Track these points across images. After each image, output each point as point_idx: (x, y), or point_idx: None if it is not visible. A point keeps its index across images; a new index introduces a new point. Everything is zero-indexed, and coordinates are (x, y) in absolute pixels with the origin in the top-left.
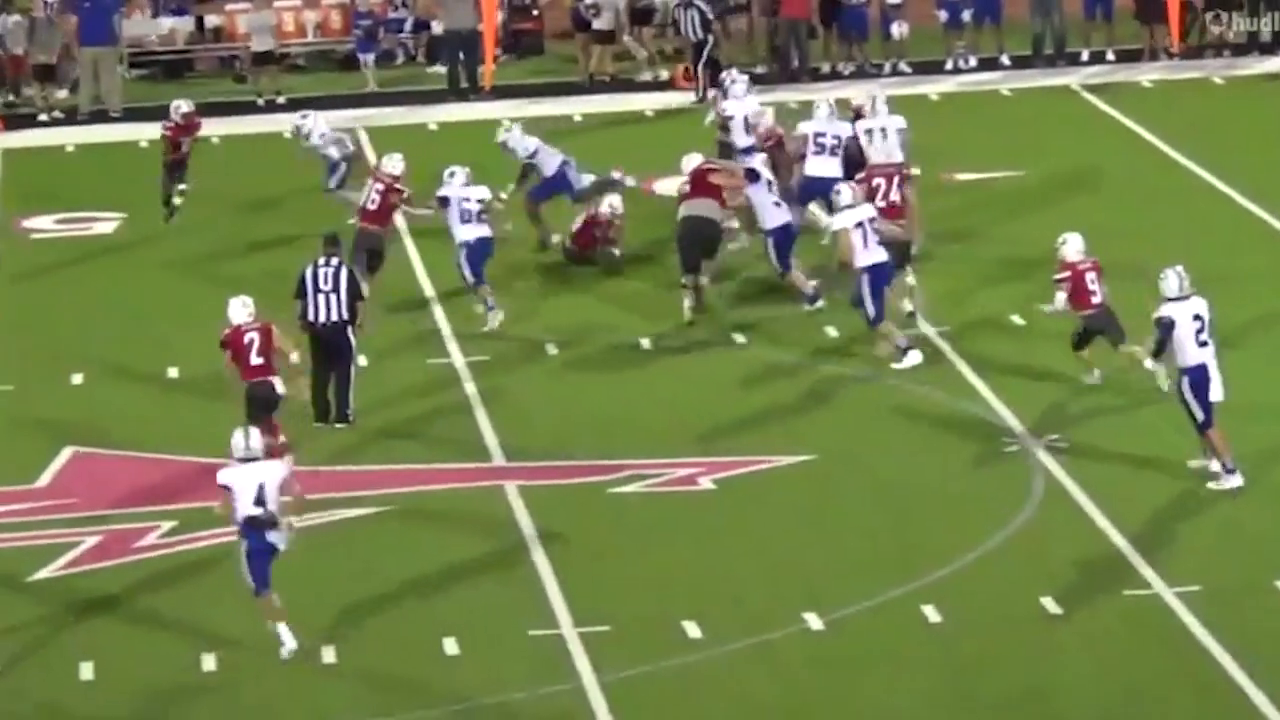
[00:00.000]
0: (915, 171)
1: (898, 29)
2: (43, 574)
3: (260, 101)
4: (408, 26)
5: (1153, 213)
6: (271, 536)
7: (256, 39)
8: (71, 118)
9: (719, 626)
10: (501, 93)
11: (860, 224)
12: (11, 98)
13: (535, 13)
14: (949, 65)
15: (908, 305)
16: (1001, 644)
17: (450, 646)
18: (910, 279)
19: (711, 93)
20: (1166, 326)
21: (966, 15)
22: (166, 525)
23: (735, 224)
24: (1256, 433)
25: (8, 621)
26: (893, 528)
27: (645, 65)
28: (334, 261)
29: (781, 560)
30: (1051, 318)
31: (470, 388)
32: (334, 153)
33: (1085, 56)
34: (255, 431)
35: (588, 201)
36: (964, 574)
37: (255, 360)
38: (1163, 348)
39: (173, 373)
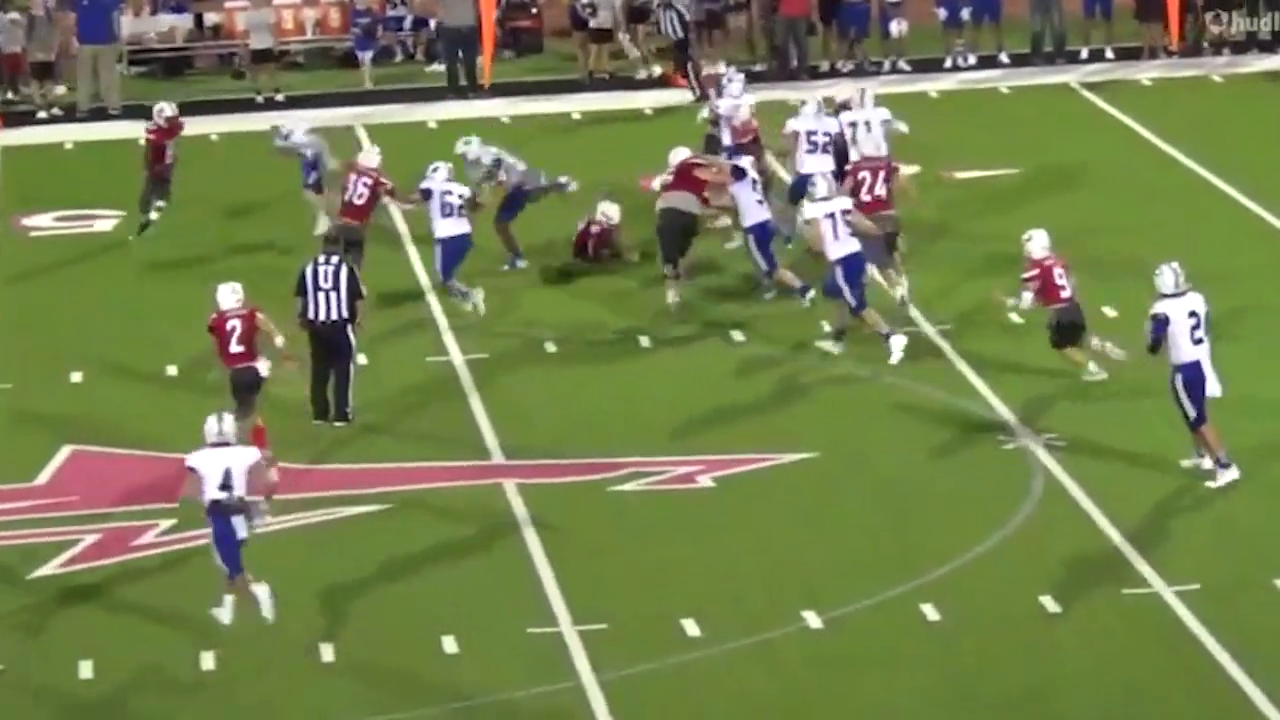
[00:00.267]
0: (915, 169)
1: (897, 27)
2: (42, 572)
3: (259, 99)
4: (407, 24)
5: (1151, 210)
6: (236, 522)
7: (255, 36)
8: (71, 115)
9: (718, 625)
10: (500, 90)
11: (831, 215)
12: (10, 95)
13: (534, 10)
14: (948, 63)
15: (902, 292)
16: (1001, 642)
17: (449, 644)
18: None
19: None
20: (1161, 323)
21: (966, 13)
22: (165, 523)
23: (728, 221)
24: (1253, 428)
25: (7, 619)
26: (892, 526)
27: (640, 64)
28: (334, 259)
29: (781, 559)
30: (1024, 314)
31: (469, 386)
32: (309, 153)
33: (1084, 54)
34: (229, 417)
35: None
36: (963, 572)
37: (235, 348)
38: (1157, 344)
39: (172, 371)
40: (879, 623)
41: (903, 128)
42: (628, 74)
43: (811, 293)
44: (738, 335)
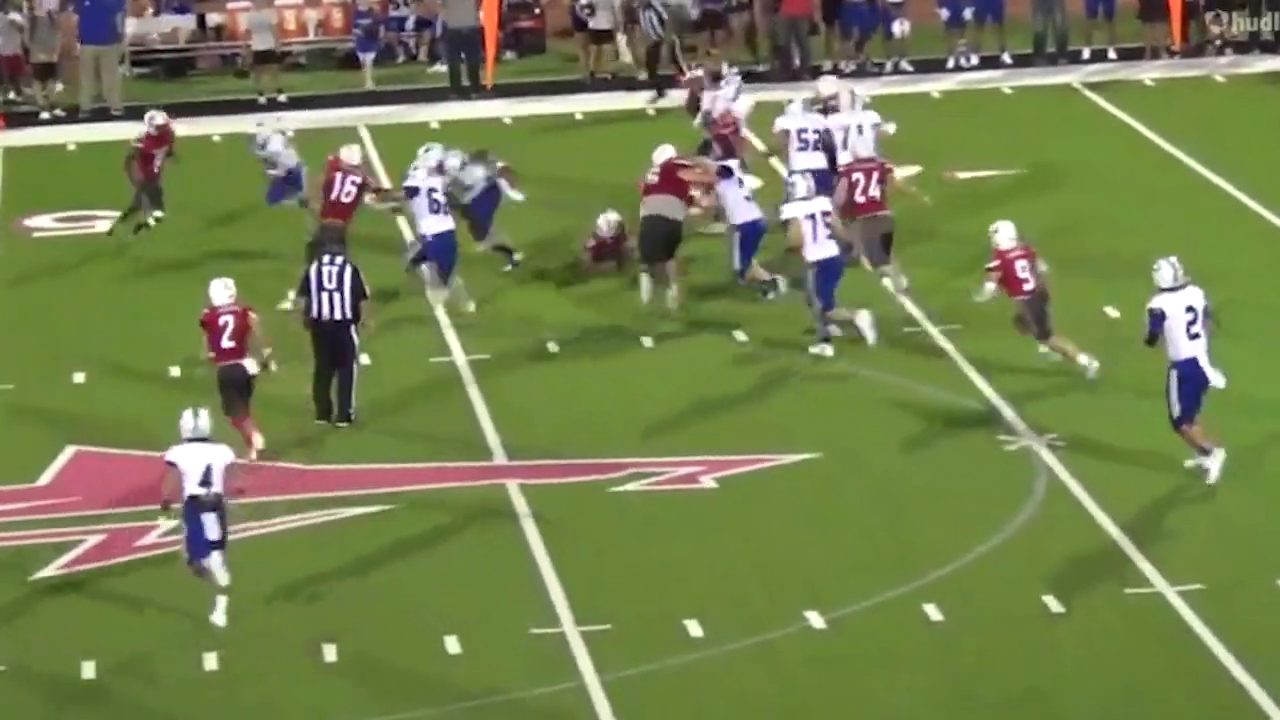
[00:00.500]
0: (916, 169)
1: (899, 27)
2: (44, 573)
3: (262, 100)
4: (409, 25)
5: (1153, 211)
6: (207, 520)
7: (257, 37)
8: (73, 116)
9: (720, 625)
10: (502, 91)
11: (811, 216)
12: (11, 96)
13: (537, 11)
14: (950, 63)
15: (904, 282)
16: (1002, 643)
17: (451, 645)
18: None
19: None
20: (1157, 318)
21: (968, 13)
22: (167, 524)
23: (722, 228)
24: (1253, 428)
25: (9, 620)
26: (894, 526)
27: (637, 66)
28: (339, 260)
29: (782, 559)
30: (983, 304)
31: (472, 386)
32: (283, 167)
33: (1086, 55)
34: (204, 412)
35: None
36: (965, 572)
37: (227, 343)
38: (1154, 337)
39: (174, 371)
40: (881, 623)
41: (890, 129)
42: (629, 75)
43: (782, 287)
44: (739, 335)
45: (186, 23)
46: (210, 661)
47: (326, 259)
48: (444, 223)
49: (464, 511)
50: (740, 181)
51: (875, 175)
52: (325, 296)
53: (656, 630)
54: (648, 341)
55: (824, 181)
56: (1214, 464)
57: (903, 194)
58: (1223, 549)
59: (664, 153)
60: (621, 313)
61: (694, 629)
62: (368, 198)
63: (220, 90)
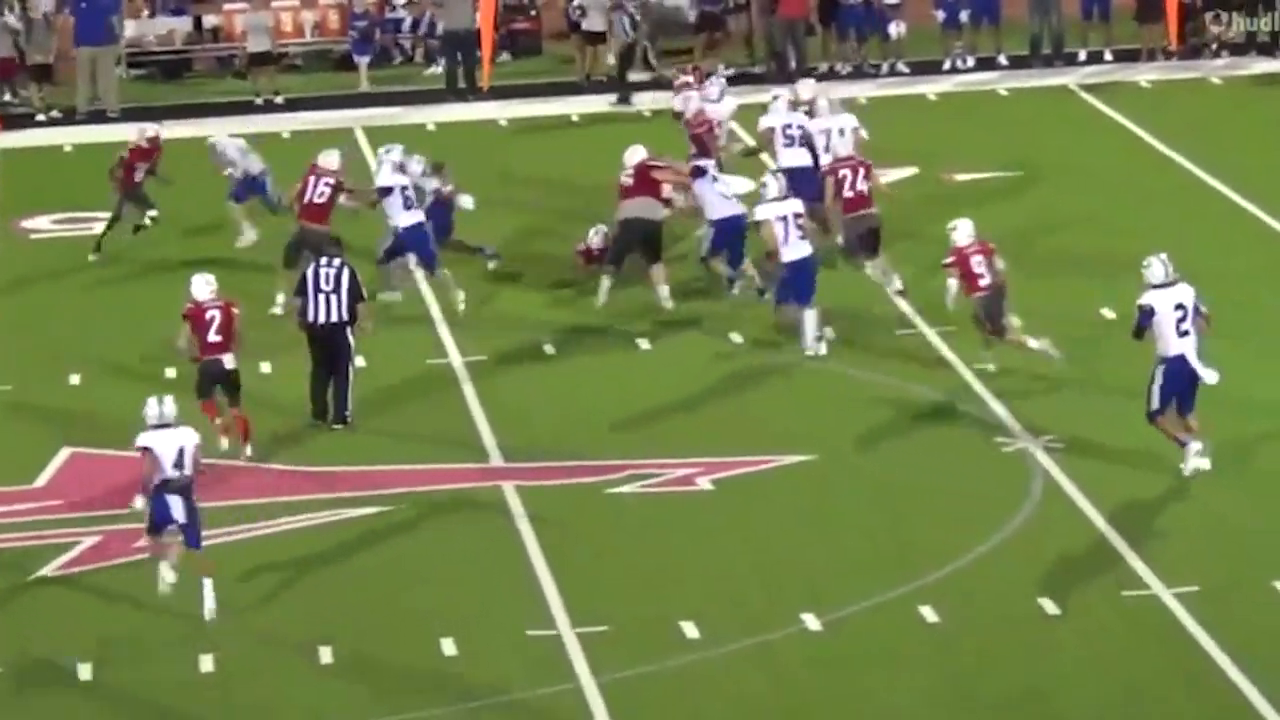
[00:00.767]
0: (913, 170)
1: (895, 29)
2: (41, 574)
3: (258, 101)
4: (405, 26)
5: (1150, 212)
6: (172, 502)
7: (254, 39)
8: (69, 118)
9: (717, 627)
10: (499, 92)
11: (784, 218)
12: (7, 97)
13: (533, 13)
14: (947, 65)
15: (897, 283)
16: (1000, 644)
17: (448, 647)
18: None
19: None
20: (1146, 313)
21: (964, 15)
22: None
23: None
24: (1250, 429)
25: (7, 622)
26: (891, 528)
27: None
28: (336, 262)
29: (780, 560)
30: (957, 306)
31: (468, 388)
32: (240, 170)
33: (1083, 56)
34: (169, 399)
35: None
36: (962, 574)
37: (214, 337)
38: (1141, 332)
39: (170, 373)
40: (878, 624)
41: (863, 134)
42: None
43: (736, 290)
44: (736, 337)
45: (183, 24)
46: (206, 663)
47: (324, 261)
48: (415, 216)
49: (460, 513)
50: (715, 178)
51: (861, 172)
52: (322, 298)
53: (654, 632)
54: (644, 343)
55: (809, 179)
56: (1191, 455)
57: (883, 195)
58: (1218, 550)
59: (635, 154)
60: (618, 314)
61: (691, 630)
62: (341, 198)
63: (216, 92)
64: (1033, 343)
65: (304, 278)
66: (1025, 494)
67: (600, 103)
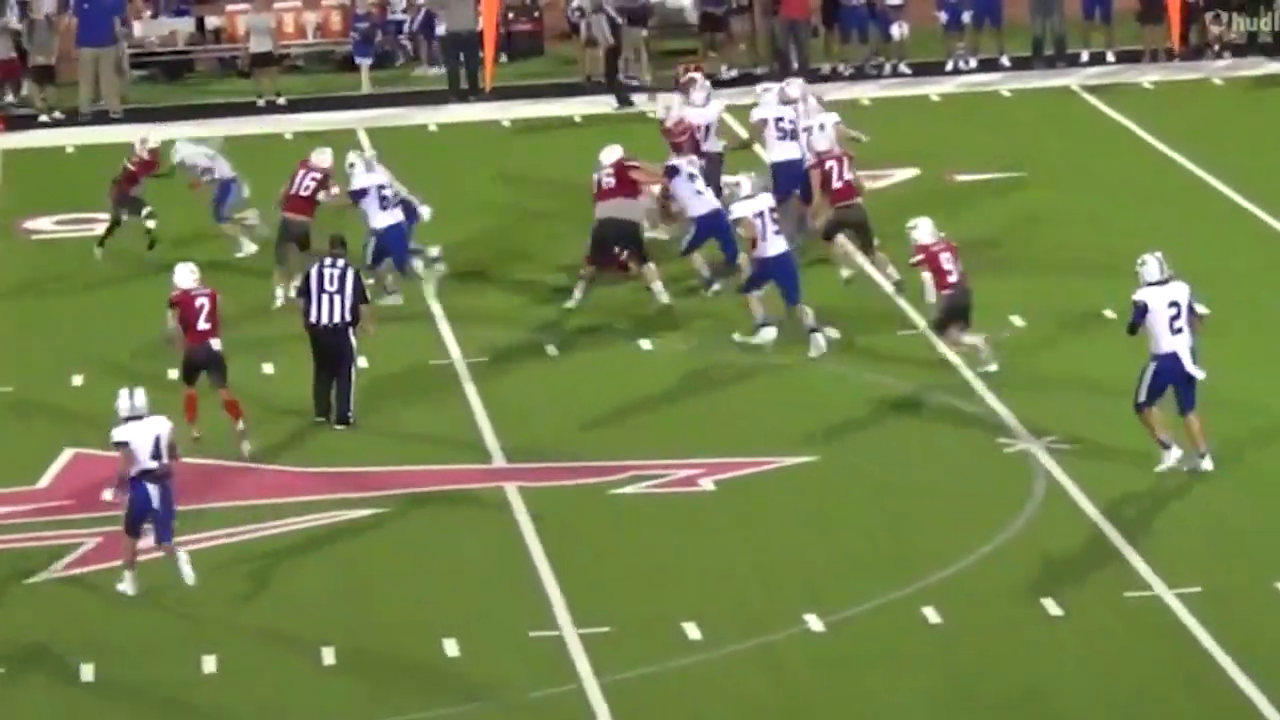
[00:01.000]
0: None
1: (898, 30)
2: (44, 575)
3: (260, 102)
4: (407, 27)
5: (1151, 213)
6: (152, 491)
7: (256, 40)
8: (72, 119)
9: (719, 628)
10: (501, 94)
11: (760, 214)
12: (10, 98)
13: (536, 14)
14: (949, 66)
15: (895, 274)
16: (1002, 645)
17: (451, 648)
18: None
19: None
20: (1140, 310)
21: (966, 16)
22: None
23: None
24: (1250, 429)
25: (9, 623)
26: (893, 528)
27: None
28: (340, 263)
29: (781, 561)
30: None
31: (470, 388)
32: (225, 170)
33: (1085, 58)
34: (140, 391)
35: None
36: (964, 575)
37: (203, 325)
38: (1134, 328)
39: (173, 374)
40: (880, 625)
41: (845, 128)
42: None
43: (717, 285)
44: (737, 337)
45: (185, 25)
46: (209, 663)
47: (328, 261)
48: (394, 216)
49: (463, 514)
50: (691, 176)
51: (845, 162)
52: (326, 299)
53: (656, 632)
54: (646, 344)
55: (799, 171)
56: (1168, 458)
57: (862, 188)
58: (1220, 551)
59: (612, 153)
60: (620, 315)
61: (693, 631)
62: (321, 195)
63: (218, 93)
64: (968, 339)
65: (307, 277)
66: (1027, 494)
67: (603, 104)
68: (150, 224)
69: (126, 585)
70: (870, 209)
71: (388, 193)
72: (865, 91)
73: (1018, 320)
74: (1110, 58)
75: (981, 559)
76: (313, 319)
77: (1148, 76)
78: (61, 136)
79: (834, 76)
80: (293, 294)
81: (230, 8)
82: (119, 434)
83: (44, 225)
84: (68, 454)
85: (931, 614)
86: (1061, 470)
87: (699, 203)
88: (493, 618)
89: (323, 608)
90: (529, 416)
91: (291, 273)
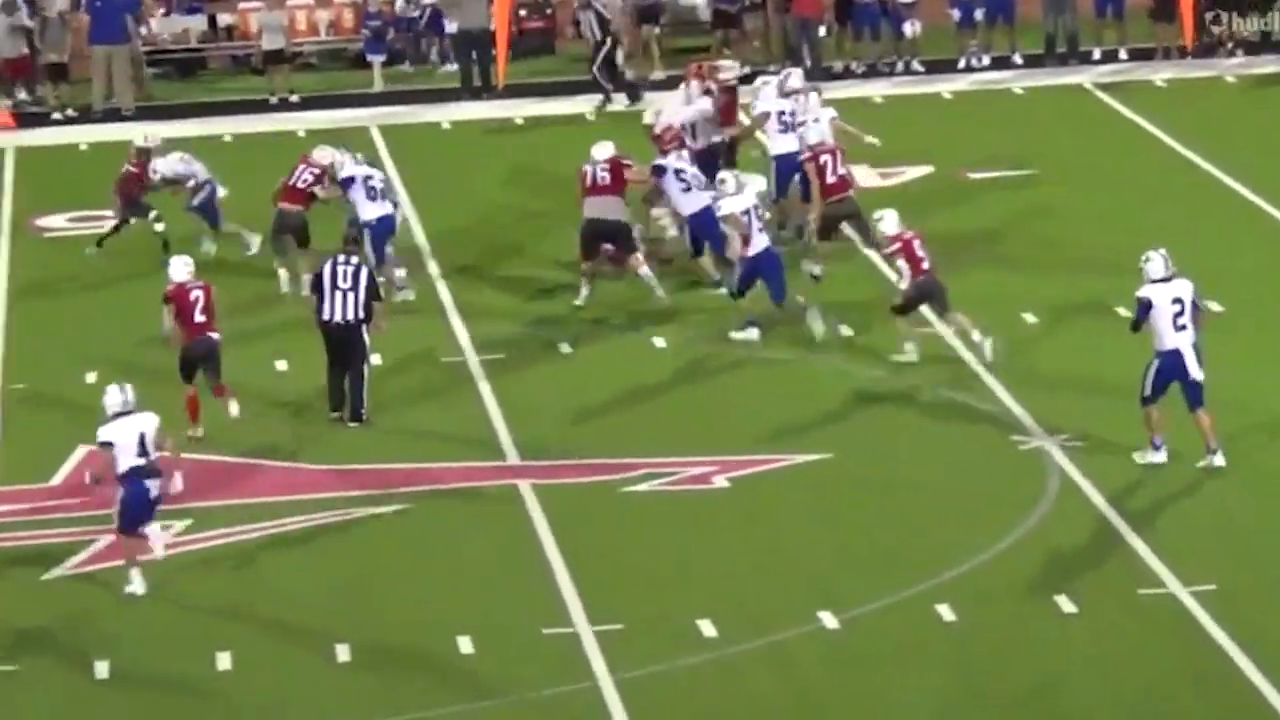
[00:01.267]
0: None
1: (910, 27)
2: (57, 572)
3: (272, 100)
4: (420, 25)
5: (1164, 211)
6: (149, 483)
7: (268, 37)
8: (85, 116)
9: (733, 625)
10: (514, 91)
11: (747, 211)
12: (23, 96)
13: (549, 11)
14: (962, 64)
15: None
16: (1015, 642)
17: (465, 645)
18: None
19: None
20: (1144, 306)
21: (979, 14)
22: (180, 524)
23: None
24: (1262, 428)
25: (22, 620)
26: (906, 526)
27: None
28: (354, 260)
29: (795, 559)
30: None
31: (484, 386)
32: (200, 173)
33: (1098, 55)
34: (129, 386)
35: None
36: (978, 572)
37: (199, 318)
38: (1138, 325)
39: None
40: (894, 623)
41: (840, 123)
42: (640, 75)
43: (724, 288)
44: (752, 335)
45: (198, 23)
46: (224, 660)
47: (342, 258)
48: (383, 208)
49: (476, 511)
50: (678, 174)
51: (838, 156)
52: (339, 296)
53: (669, 630)
54: (660, 341)
55: (796, 165)
56: (1154, 456)
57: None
58: (1235, 549)
59: (605, 149)
60: (633, 313)
61: (707, 629)
62: (318, 189)
63: (231, 90)
64: (909, 344)
65: (319, 274)
66: (1041, 492)
67: (615, 101)
68: (158, 226)
69: (135, 586)
70: (885, 206)
71: (375, 184)
72: (878, 89)
73: (1029, 316)
74: (1122, 55)
75: (994, 556)
76: (325, 316)
77: (1160, 74)
78: (74, 134)
79: (846, 74)
80: (291, 285)
81: (243, 5)
82: (105, 434)
83: (57, 223)
84: (81, 451)
85: (945, 611)
86: (1075, 468)
87: (688, 200)
88: (506, 615)
89: (336, 604)
90: (542, 413)
91: (292, 262)
